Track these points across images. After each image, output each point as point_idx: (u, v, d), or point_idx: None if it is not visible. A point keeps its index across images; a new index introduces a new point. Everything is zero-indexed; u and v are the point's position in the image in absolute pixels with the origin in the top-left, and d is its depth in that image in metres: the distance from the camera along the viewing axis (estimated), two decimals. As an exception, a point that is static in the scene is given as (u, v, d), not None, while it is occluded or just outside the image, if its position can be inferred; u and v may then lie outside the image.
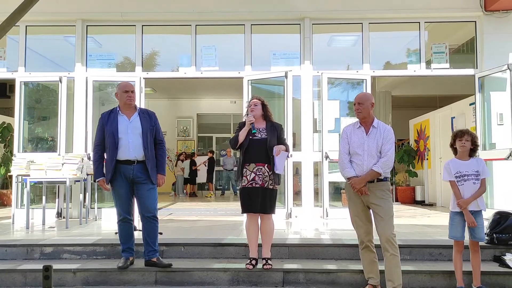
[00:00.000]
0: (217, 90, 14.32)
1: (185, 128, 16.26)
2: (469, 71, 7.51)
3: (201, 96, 15.71)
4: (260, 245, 4.39)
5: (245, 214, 4.40)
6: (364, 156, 3.86)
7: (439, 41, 7.69)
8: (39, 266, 4.39)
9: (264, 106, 4.46)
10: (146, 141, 4.18)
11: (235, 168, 14.45)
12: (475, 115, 7.50)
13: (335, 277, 4.26)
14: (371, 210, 3.89)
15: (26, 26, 7.64)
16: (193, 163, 14.05)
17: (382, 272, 3.88)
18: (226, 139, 16.55)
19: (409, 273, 4.17)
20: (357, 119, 4.00)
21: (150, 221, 4.26)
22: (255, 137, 4.32)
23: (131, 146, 4.15)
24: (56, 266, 4.41)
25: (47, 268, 2.12)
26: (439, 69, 7.53)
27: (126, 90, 4.22)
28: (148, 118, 4.29)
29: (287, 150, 4.37)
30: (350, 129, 4.00)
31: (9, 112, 10.50)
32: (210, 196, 13.50)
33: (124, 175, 4.16)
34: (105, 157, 4.23)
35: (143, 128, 4.21)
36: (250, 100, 4.53)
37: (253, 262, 4.31)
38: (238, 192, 13.86)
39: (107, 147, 4.20)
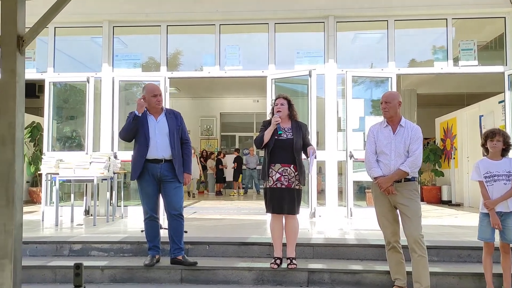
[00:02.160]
0: (240, 89, 14.36)
1: (208, 127, 16.37)
2: (498, 68, 7.32)
3: (224, 95, 15.78)
4: (284, 245, 4.39)
5: (269, 213, 4.40)
6: (391, 156, 3.81)
7: (466, 37, 7.52)
8: (68, 263, 4.52)
9: (290, 105, 4.45)
10: (173, 140, 4.25)
11: (258, 167, 14.47)
12: (505, 113, 7.30)
13: (361, 278, 4.22)
14: (398, 210, 3.84)
15: (55, 27, 7.83)
16: (219, 162, 14.10)
17: (409, 273, 3.83)
18: (248, 138, 16.58)
19: (436, 274, 4.09)
20: (384, 118, 3.94)
21: (176, 219, 4.31)
22: (280, 137, 4.30)
23: (159, 146, 4.23)
24: (84, 263, 4.51)
25: (78, 266, 2.18)
26: (467, 66, 7.36)
27: (155, 94, 4.29)
28: (174, 119, 4.35)
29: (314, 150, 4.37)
30: (377, 128, 3.95)
31: (38, 111, 10.76)
32: (233, 195, 13.55)
33: (151, 174, 4.23)
34: (133, 155, 4.29)
35: (170, 128, 4.28)
36: (276, 99, 4.50)
37: (278, 261, 4.30)
38: (261, 191, 14.09)
39: (137, 146, 4.27)
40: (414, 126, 3.89)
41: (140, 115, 4.19)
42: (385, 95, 3.95)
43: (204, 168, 14.18)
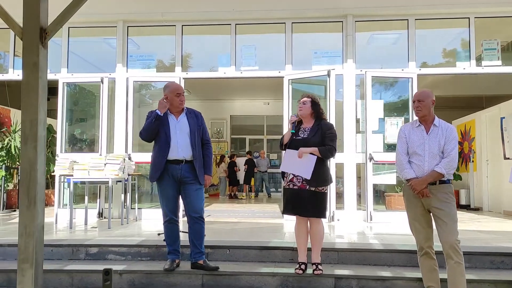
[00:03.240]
0: (251, 91, 14.20)
1: (218, 129, 16.23)
2: (523, 69, 7.11)
3: (235, 98, 15.65)
4: (309, 249, 4.22)
5: (286, 216, 4.26)
6: (425, 157, 3.63)
7: (487, 37, 7.31)
8: (85, 266, 4.38)
9: (314, 104, 4.28)
10: (194, 141, 4.11)
11: (269, 170, 14.32)
12: (529, 115, 7.09)
13: (391, 285, 4.04)
14: (431, 214, 3.66)
15: (68, 27, 7.74)
16: (233, 165, 13.94)
17: (442, 280, 3.64)
18: (259, 141, 16.44)
19: (471, 282, 3.88)
20: (416, 118, 3.77)
21: (197, 221, 4.17)
22: (298, 137, 4.18)
23: (179, 146, 4.08)
24: (101, 266, 4.38)
25: (107, 272, 2.02)
26: (490, 66, 7.15)
27: (178, 93, 4.16)
28: (195, 118, 4.22)
29: (322, 152, 4.03)
30: (409, 128, 3.78)
31: (49, 113, 10.66)
32: (242, 198, 13.35)
33: (171, 175, 4.08)
34: (153, 156, 4.15)
35: (191, 128, 4.14)
36: (301, 98, 4.36)
37: (303, 266, 4.13)
38: (272, 194, 13.90)
39: (157, 146, 4.13)
40: (449, 126, 3.72)
41: (162, 115, 4.05)
42: (418, 93, 3.78)
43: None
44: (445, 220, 3.54)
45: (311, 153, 4.04)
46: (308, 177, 4.02)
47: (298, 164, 4.04)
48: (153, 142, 4.17)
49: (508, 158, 8.43)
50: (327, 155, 4.11)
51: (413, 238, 3.77)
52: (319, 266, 4.11)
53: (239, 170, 13.91)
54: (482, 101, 11.24)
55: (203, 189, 4.21)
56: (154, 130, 4.06)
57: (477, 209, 9.66)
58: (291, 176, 4.11)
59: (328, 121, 4.42)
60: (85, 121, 8.40)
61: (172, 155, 4.06)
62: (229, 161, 14.19)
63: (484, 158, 9.67)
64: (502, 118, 8.68)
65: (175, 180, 4.09)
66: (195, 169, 4.08)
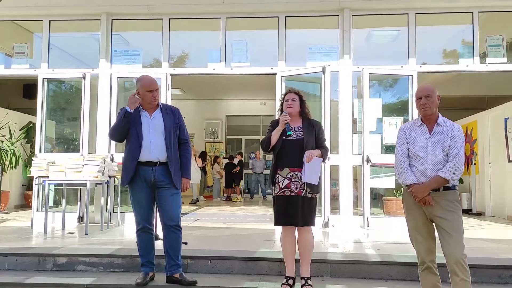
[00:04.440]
0: (246, 91, 13.82)
1: (213, 130, 15.84)
2: (530, 67, 6.71)
3: (230, 98, 15.27)
4: (298, 261, 3.80)
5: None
6: (427, 160, 3.21)
7: (492, 33, 6.90)
8: (51, 279, 3.98)
9: (302, 102, 3.87)
10: (169, 140, 3.68)
11: (265, 171, 13.86)
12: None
13: (388, 302, 3.62)
14: (434, 224, 3.24)
15: (49, 20, 7.32)
16: (232, 166, 13.50)
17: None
18: (255, 142, 16.04)
19: (477, 300, 3.48)
20: (418, 116, 3.35)
21: (173, 230, 3.73)
22: (289, 138, 3.72)
23: (152, 146, 3.66)
24: (68, 280, 3.97)
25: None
26: (495, 64, 6.74)
27: (151, 90, 3.70)
28: (171, 115, 3.78)
29: (323, 155, 3.73)
30: (409, 127, 3.36)
31: (34, 112, 10.29)
32: (236, 201, 12.92)
33: (144, 179, 3.66)
34: (123, 157, 3.73)
35: (166, 126, 3.70)
36: (285, 94, 3.93)
37: (290, 281, 3.71)
38: (268, 196, 13.47)
39: (128, 146, 3.72)
40: (455, 125, 3.30)
41: (132, 111, 3.62)
42: (423, 88, 3.36)
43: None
44: (449, 231, 3.12)
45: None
46: (316, 182, 3.66)
47: (309, 169, 3.61)
48: (125, 142, 3.75)
49: (513, 161, 8.03)
50: (325, 157, 3.79)
51: (413, 247, 3.35)
52: (309, 281, 3.69)
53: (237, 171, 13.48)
54: (485, 102, 10.83)
55: (180, 194, 3.78)
56: (123, 129, 3.64)
57: (479, 214, 9.24)
58: (286, 182, 3.68)
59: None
60: (70, 119, 7.98)
61: (144, 156, 3.64)
62: (227, 161, 13.72)
63: (486, 160, 9.26)
64: (506, 119, 8.27)
65: (148, 184, 3.67)
66: (170, 172, 3.65)
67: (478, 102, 11.11)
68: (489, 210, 9.16)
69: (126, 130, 3.65)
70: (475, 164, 9.68)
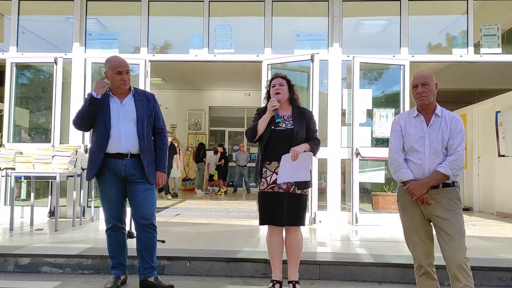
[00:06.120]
0: (230, 81, 13.42)
1: (196, 121, 15.42)
2: (524, 57, 6.47)
3: (214, 88, 14.85)
4: (285, 262, 3.47)
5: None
6: (425, 154, 2.90)
7: (487, 22, 6.63)
8: (10, 283, 3.58)
9: (290, 87, 3.51)
10: (141, 130, 3.28)
11: (249, 164, 13.48)
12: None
13: (382, 308, 3.33)
14: (432, 224, 2.94)
15: (19, 1, 6.81)
16: (225, 158, 13.08)
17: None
18: (239, 134, 15.68)
19: (478, 306, 3.21)
20: (415, 106, 3.04)
21: (147, 230, 3.36)
22: (278, 128, 3.36)
23: (123, 136, 3.26)
24: (29, 283, 3.58)
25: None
26: (489, 54, 6.49)
27: (119, 71, 3.28)
28: (145, 101, 3.37)
29: (313, 148, 3.35)
30: (405, 118, 3.03)
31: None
32: (220, 194, 12.57)
33: (114, 172, 3.27)
34: (90, 148, 3.33)
35: (139, 113, 3.30)
36: (273, 79, 3.55)
37: (277, 286, 3.38)
38: (252, 190, 13.12)
39: (95, 136, 3.32)
40: (455, 116, 2.99)
41: (99, 97, 3.22)
42: (421, 75, 3.03)
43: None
44: (450, 233, 2.83)
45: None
46: (308, 178, 3.32)
47: (296, 167, 3.23)
48: (92, 131, 3.36)
49: (503, 156, 7.83)
50: (316, 151, 3.42)
51: (406, 246, 3.05)
52: (297, 285, 3.37)
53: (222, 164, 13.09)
54: (474, 95, 10.64)
55: (154, 190, 3.40)
56: (89, 117, 3.24)
57: (467, 209, 9.06)
58: (275, 176, 3.30)
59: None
60: (38, 108, 7.49)
61: (113, 147, 3.24)
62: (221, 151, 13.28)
63: (475, 155, 9.08)
64: (497, 112, 8.07)
65: (118, 179, 3.28)
66: (143, 165, 3.27)
67: (467, 96, 10.92)
68: (477, 205, 9.01)
69: (92, 118, 3.24)
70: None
